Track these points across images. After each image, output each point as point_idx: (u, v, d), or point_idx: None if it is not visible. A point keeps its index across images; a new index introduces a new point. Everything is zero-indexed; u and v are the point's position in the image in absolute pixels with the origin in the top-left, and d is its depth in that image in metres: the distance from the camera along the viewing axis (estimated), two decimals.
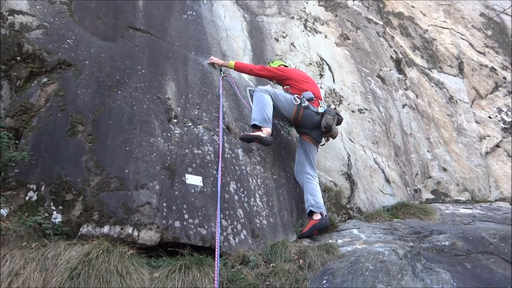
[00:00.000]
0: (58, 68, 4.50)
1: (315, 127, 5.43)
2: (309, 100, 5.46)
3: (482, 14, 10.31)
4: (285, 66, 6.18)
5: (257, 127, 5.15)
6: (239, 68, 5.88)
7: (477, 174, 7.45)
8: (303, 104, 5.37)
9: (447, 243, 4.26)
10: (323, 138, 5.60)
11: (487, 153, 7.89)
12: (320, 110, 5.40)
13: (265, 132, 5.10)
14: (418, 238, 4.64)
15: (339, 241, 4.68)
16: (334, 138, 5.62)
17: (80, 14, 5.17)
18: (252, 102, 5.62)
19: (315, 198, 5.13)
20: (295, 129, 5.78)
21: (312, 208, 5.06)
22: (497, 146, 8.03)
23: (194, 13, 6.45)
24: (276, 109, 5.37)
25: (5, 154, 3.59)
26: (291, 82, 5.73)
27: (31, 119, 4.06)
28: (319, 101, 5.58)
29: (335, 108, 5.57)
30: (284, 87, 5.83)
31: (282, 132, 5.90)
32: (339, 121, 5.58)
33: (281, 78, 5.83)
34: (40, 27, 4.75)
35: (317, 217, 5.01)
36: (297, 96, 5.46)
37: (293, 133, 5.98)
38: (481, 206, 6.70)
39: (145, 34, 5.47)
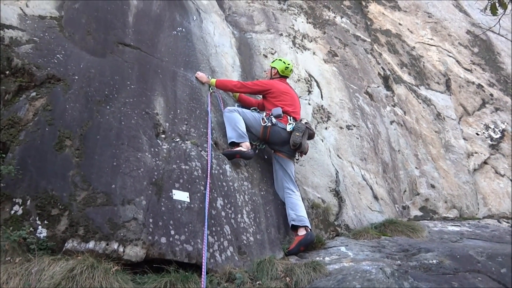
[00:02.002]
0: (47, 82, 4.50)
1: (285, 143, 5.44)
2: (277, 117, 5.48)
3: (468, 32, 10.46)
4: (284, 63, 6.11)
5: (235, 144, 5.20)
6: (220, 86, 5.89)
7: (465, 191, 7.49)
8: (268, 124, 5.40)
9: (434, 261, 4.26)
10: (297, 154, 5.59)
11: (475, 170, 7.94)
12: (289, 128, 5.40)
13: (245, 146, 5.18)
14: (406, 256, 4.64)
15: (327, 258, 4.67)
16: (305, 153, 5.63)
17: (70, 30, 5.19)
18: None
19: (296, 212, 5.12)
20: (267, 146, 5.76)
21: (294, 222, 5.07)
22: (485, 162, 8.09)
23: (183, 30, 6.50)
24: (246, 127, 5.40)
25: None
26: (268, 95, 5.75)
27: (18, 133, 4.05)
28: (289, 117, 5.56)
29: (306, 122, 5.54)
30: (251, 108, 5.87)
31: (265, 148, 5.88)
32: (310, 136, 5.58)
33: (261, 92, 5.85)
34: (30, 42, 4.76)
35: (302, 232, 5.00)
36: (265, 116, 5.49)
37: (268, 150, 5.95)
38: (469, 223, 6.72)
39: (135, 50, 5.50)
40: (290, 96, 5.83)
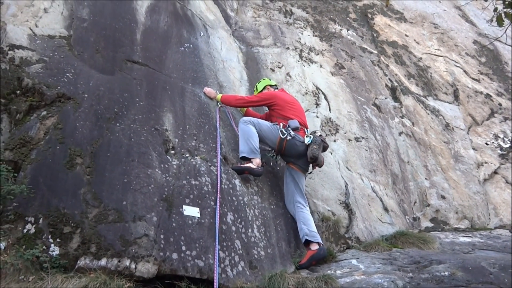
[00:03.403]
0: (57, 101, 4.56)
1: (301, 156, 5.41)
2: (295, 129, 5.44)
3: (475, 42, 10.45)
4: (271, 85, 6.20)
5: (246, 159, 5.20)
6: (225, 102, 5.89)
7: (476, 202, 7.44)
8: (287, 137, 5.34)
9: (446, 273, 4.23)
10: (310, 167, 5.58)
11: (485, 180, 7.88)
12: (307, 141, 5.35)
13: (255, 163, 5.17)
14: (418, 268, 4.61)
15: (338, 272, 4.65)
16: (320, 167, 5.59)
17: (79, 48, 5.26)
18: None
19: (308, 227, 5.11)
20: (281, 158, 5.74)
21: (307, 237, 5.03)
22: (495, 172, 8.03)
23: (191, 46, 6.56)
24: (261, 139, 5.38)
25: (4, 187, 3.61)
26: (275, 108, 5.73)
27: (30, 152, 4.10)
28: (305, 129, 5.59)
29: (320, 135, 5.54)
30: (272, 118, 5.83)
31: (278, 162, 5.91)
32: (324, 148, 5.55)
33: (266, 104, 5.86)
34: (39, 61, 4.84)
35: (314, 247, 4.97)
36: (283, 128, 5.43)
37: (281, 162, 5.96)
38: (480, 234, 6.65)
39: (143, 66, 5.56)
40: (296, 106, 5.85)
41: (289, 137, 5.34)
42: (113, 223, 3.78)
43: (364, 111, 7.68)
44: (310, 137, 5.40)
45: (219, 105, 5.89)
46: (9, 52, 4.72)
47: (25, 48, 4.89)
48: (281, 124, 5.49)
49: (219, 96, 5.91)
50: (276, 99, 5.77)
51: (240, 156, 5.26)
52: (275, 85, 6.35)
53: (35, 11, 5.38)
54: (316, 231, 5.15)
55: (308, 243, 5.05)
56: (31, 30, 5.17)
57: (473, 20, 11.32)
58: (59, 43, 5.21)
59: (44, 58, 4.90)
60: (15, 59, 4.70)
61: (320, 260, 4.96)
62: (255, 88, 6.41)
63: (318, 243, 5.02)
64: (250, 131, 5.32)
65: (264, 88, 6.24)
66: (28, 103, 4.47)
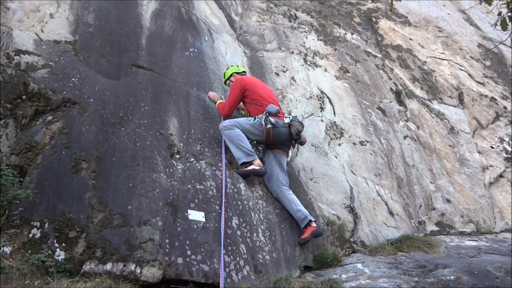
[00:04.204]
0: (63, 106, 4.59)
1: (286, 139, 5.48)
2: (275, 114, 5.46)
3: (480, 45, 10.44)
4: (238, 72, 6.16)
5: (246, 163, 5.19)
6: (219, 110, 5.82)
7: (482, 205, 7.41)
8: (269, 126, 5.32)
9: (452, 277, 4.21)
10: (291, 147, 5.68)
11: (490, 183, 7.85)
12: (287, 120, 5.44)
13: (256, 164, 5.18)
14: (423, 272, 4.59)
15: (343, 276, 4.64)
16: (303, 144, 5.72)
17: (84, 53, 5.29)
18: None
19: (302, 208, 5.25)
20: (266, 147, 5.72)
21: (310, 218, 5.19)
22: (501, 176, 8.00)
23: (196, 50, 6.58)
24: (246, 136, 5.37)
25: (10, 192, 3.63)
26: (247, 93, 5.72)
27: (35, 156, 4.12)
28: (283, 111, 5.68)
29: (296, 116, 5.65)
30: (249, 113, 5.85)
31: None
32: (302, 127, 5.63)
33: (242, 94, 5.74)
34: (45, 67, 4.87)
35: (313, 224, 5.17)
36: (264, 119, 5.38)
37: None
38: (486, 238, 6.62)
39: (148, 71, 5.58)
40: (265, 89, 5.92)
41: (270, 126, 5.33)
42: (118, 228, 3.79)
43: (368, 115, 7.68)
44: (289, 116, 5.50)
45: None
46: (15, 57, 4.75)
47: (31, 53, 4.92)
48: (261, 116, 5.45)
49: (218, 102, 5.88)
50: (245, 83, 5.73)
51: (240, 164, 5.23)
52: (243, 71, 6.29)
53: (41, 17, 5.41)
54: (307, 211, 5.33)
55: (308, 224, 5.18)
56: (37, 35, 5.20)
57: (478, 23, 11.31)
58: (64, 48, 5.24)
59: (50, 63, 4.93)
60: (21, 64, 4.73)
61: (319, 235, 5.22)
62: (223, 75, 6.41)
63: (314, 221, 5.23)
64: (236, 135, 5.24)
65: (231, 75, 6.19)
66: (34, 108, 4.50)
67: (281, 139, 5.45)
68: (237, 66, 6.37)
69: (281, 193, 5.35)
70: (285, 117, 5.49)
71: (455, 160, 7.84)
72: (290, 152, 5.72)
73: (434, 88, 9.00)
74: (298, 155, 6.47)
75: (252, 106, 5.71)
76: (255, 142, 5.58)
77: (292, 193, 5.38)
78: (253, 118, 5.51)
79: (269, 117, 5.37)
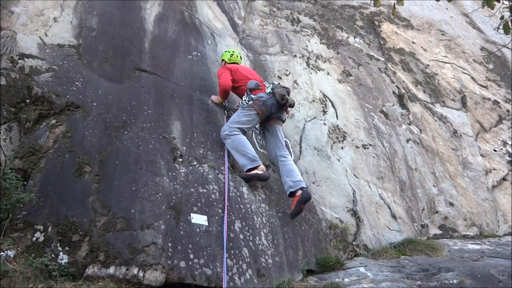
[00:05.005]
0: (66, 110, 4.60)
1: (276, 107, 5.58)
2: (256, 89, 5.59)
3: (482, 48, 10.43)
4: (228, 52, 6.45)
5: (251, 169, 5.21)
6: (223, 96, 5.95)
7: (485, 208, 7.40)
8: (251, 102, 5.48)
9: (455, 281, 4.21)
10: (285, 114, 5.80)
11: (493, 186, 7.84)
12: (268, 90, 5.56)
13: (260, 169, 5.21)
14: (426, 276, 4.59)
15: (346, 280, 4.64)
16: (292, 106, 5.78)
17: (88, 57, 5.31)
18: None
19: (292, 178, 5.26)
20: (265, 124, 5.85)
21: (291, 189, 5.23)
22: (504, 179, 7.99)
23: (198, 54, 6.60)
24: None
25: (14, 195, 3.64)
26: (232, 77, 5.89)
27: (39, 160, 4.13)
28: (264, 82, 5.78)
29: (278, 83, 5.75)
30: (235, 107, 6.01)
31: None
32: (287, 92, 5.68)
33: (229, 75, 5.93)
34: (49, 70, 4.88)
35: (298, 193, 5.18)
36: (249, 100, 5.52)
37: None
38: (489, 241, 6.61)
39: (151, 75, 5.60)
40: (244, 69, 6.08)
41: (252, 101, 5.49)
42: (121, 231, 3.79)
43: (371, 118, 7.68)
44: (269, 85, 5.61)
45: (227, 113, 5.93)
46: (19, 61, 4.77)
47: (35, 57, 4.94)
48: (245, 97, 5.61)
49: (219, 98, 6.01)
50: (229, 66, 5.99)
51: (245, 170, 5.24)
52: (235, 62, 6.40)
53: (45, 21, 5.43)
54: (301, 179, 5.33)
55: (293, 193, 5.24)
56: (41, 39, 5.22)
57: (480, 26, 11.31)
58: (68, 52, 5.26)
59: (54, 67, 4.95)
60: (25, 68, 4.75)
61: (306, 201, 5.19)
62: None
63: (301, 188, 5.20)
64: (238, 142, 5.27)
65: (222, 61, 6.46)
66: (37, 112, 4.51)
67: (273, 109, 5.57)
68: (229, 52, 6.49)
69: (277, 163, 5.51)
70: (266, 88, 5.62)
71: (458, 164, 7.83)
72: (285, 116, 5.87)
73: (437, 91, 9.00)
74: (301, 158, 6.49)
75: (239, 90, 5.91)
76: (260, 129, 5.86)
77: (287, 162, 5.45)
78: (240, 105, 5.68)
79: (251, 94, 5.55)
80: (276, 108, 5.58)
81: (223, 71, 5.94)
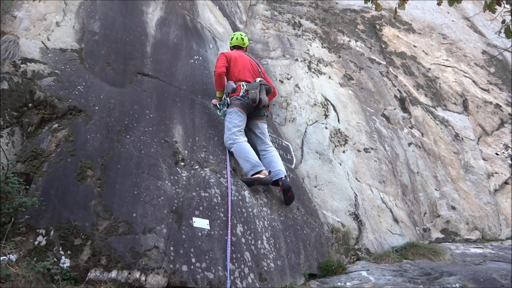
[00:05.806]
0: (68, 114, 4.61)
1: (253, 108, 5.67)
2: (233, 91, 5.72)
3: (484, 52, 10.44)
4: (233, 36, 6.53)
5: (254, 174, 5.23)
6: (218, 84, 5.96)
7: (487, 212, 7.38)
8: (232, 103, 5.63)
9: (457, 285, 4.20)
10: (263, 110, 5.83)
11: (495, 190, 7.83)
12: (241, 93, 5.66)
13: (263, 173, 5.21)
14: (428, 280, 4.58)
15: (348, 284, 4.63)
16: (267, 107, 5.82)
17: (90, 61, 5.32)
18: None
19: (272, 168, 5.33)
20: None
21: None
22: (506, 183, 7.98)
23: (200, 58, 6.62)
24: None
25: (16, 199, 3.64)
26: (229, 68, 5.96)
27: (41, 164, 4.13)
28: (241, 83, 5.79)
29: (260, 80, 5.78)
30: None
31: (288, 173, 5.92)
32: (268, 91, 5.79)
33: (227, 64, 5.97)
34: (51, 75, 4.89)
35: (280, 183, 5.30)
36: (231, 101, 5.68)
37: None
38: (492, 245, 6.60)
39: (153, 79, 5.61)
40: (240, 62, 6.03)
41: (226, 107, 5.71)
42: (123, 235, 3.79)
43: (373, 122, 7.68)
44: (243, 88, 5.69)
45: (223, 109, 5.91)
46: (22, 65, 4.78)
47: (37, 61, 4.95)
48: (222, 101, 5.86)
49: (218, 93, 6.04)
50: (228, 57, 5.99)
51: (249, 176, 5.25)
52: (237, 45, 6.48)
53: (47, 25, 5.45)
54: (280, 168, 5.39)
55: (276, 182, 5.34)
56: (43, 43, 5.24)
57: (482, 30, 11.32)
58: (70, 56, 5.28)
59: (56, 71, 4.96)
60: (27, 73, 4.76)
61: (288, 189, 5.30)
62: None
63: (280, 179, 5.31)
64: (241, 149, 5.34)
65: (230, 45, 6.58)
66: (40, 116, 4.52)
67: (249, 109, 5.66)
68: (232, 36, 6.60)
69: (261, 159, 5.49)
70: (241, 89, 5.71)
71: (459, 167, 7.83)
72: (264, 112, 5.89)
73: (438, 95, 9.01)
74: (302, 162, 6.49)
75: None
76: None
77: (268, 154, 5.54)
78: (220, 108, 5.92)
79: (227, 98, 5.75)
80: (252, 108, 5.66)
81: (220, 57, 6.01)
